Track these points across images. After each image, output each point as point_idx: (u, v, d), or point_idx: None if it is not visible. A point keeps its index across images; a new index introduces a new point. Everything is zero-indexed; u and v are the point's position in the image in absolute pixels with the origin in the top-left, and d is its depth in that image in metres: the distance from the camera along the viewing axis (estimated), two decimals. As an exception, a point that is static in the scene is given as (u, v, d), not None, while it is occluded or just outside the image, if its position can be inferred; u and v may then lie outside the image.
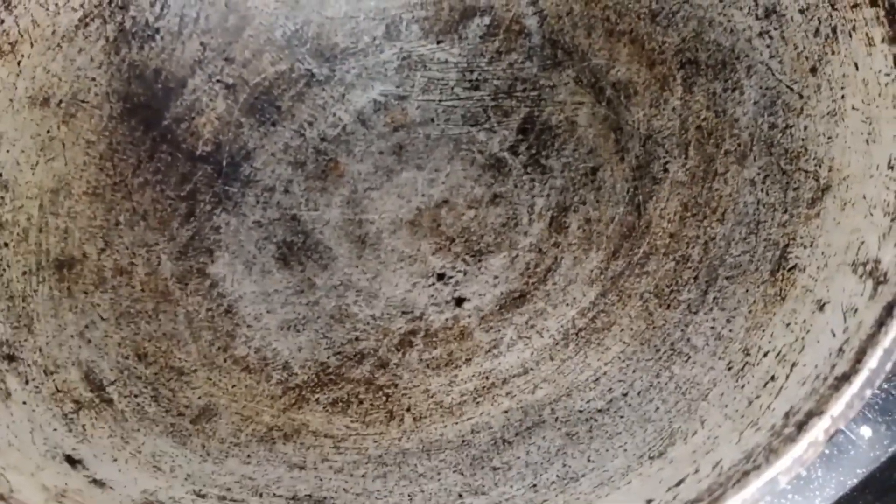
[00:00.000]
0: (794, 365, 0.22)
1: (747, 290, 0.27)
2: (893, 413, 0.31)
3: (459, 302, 0.35)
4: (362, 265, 0.37)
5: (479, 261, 0.36)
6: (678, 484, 0.21)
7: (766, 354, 0.24)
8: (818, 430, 0.18)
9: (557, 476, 0.25)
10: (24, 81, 0.34)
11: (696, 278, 0.30)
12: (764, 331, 0.25)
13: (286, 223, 0.38)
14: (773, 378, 0.22)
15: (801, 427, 0.18)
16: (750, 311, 0.26)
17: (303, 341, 0.35)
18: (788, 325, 0.24)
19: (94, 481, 0.26)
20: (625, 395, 0.27)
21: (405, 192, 0.39)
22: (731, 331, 0.26)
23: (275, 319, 0.35)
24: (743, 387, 0.23)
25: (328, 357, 0.34)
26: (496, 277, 0.35)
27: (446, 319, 0.35)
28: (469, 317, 0.34)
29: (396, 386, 0.33)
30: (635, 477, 0.23)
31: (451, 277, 0.36)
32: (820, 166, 0.27)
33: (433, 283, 0.36)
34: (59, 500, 0.24)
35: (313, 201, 0.39)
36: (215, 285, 0.36)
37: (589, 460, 0.25)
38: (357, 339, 0.35)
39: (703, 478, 0.20)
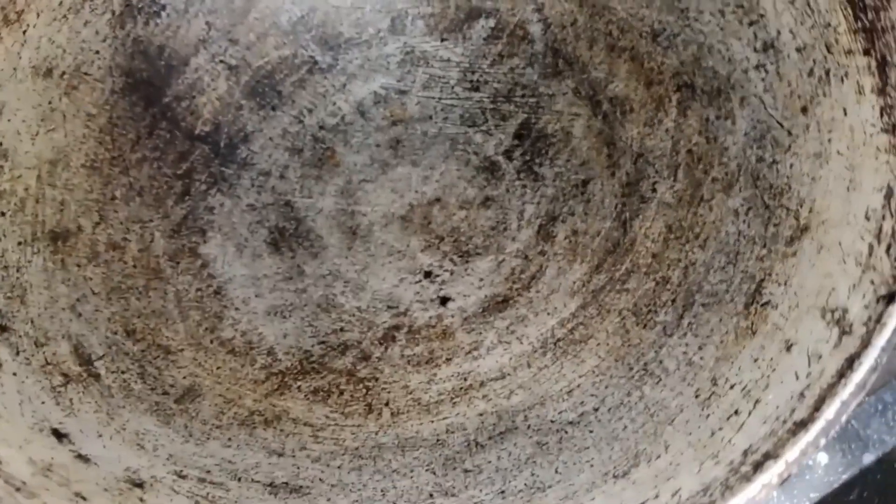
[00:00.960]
0: (757, 402, 0.23)
1: (721, 320, 0.28)
2: (850, 441, 0.33)
3: (444, 301, 0.36)
4: (352, 256, 0.38)
5: (467, 262, 0.37)
6: (639, 507, 0.22)
7: (732, 387, 0.25)
8: (772, 473, 0.19)
9: (525, 485, 0.26)
10: (28, 51, 0.34)
11: (673, 301, 0.31)
12: (732, 363, 0.26)
13: (279, 208, 0.39)
14: (736, 412, 0.23)
15: (757, 467, 0.20)
16: (721, 341, 0.27)
17: (289, 328, 0.36)
18: (756, 360, 0.25)
19: (80, 456, 0.26)
20: (596, 409, 0.29)
21: (399, 187, 0.39)
22: (701, 358, 0.27)
23: (262, 304, 0.36)
24: (708, 416, 0.24)
25: (312, 345, 0.35)
26: (482, 280, 0.36)
27: (430, 317, 0.36)
28: (452, 317, 0.35)
29: (377, 380, 0.34)
30: (599, 494, 0.24)
31: (437, 276, 0.37)
32: (801, 206, 0.28)
33: (420, 280, 0.37)
34: (46, 474, 0.25)
35: (308, 188, 0.39)
36: (206, 266, 0.37)
37: (557, 472, 0.26)
38: (342, 329, 0.36)
39: (661, 504, 0.22)
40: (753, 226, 0.30)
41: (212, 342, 0.34)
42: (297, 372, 0.34)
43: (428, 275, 0.37)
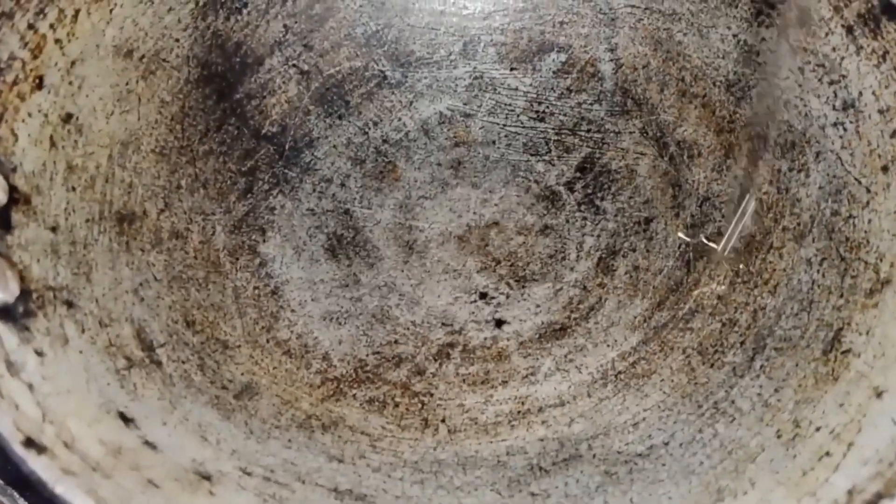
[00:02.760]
0: (850, 444, 0.23)
1: (797, 364, 0.28)
2: None
3: (499, 323, 0.36)
4: (407, 270, 0.38)
5: (523, 287, 0.37)
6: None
7: (818, 429, 0.25)
8: (892, 511, 0.19)
9: (599, 512, 0.26)
10: (112, 30, 0.34)
11: (742, 343, 0.31)
12: (815, 406, 0.26)
13: (339, 216, 0.39)
14: (828, 454, 0.24)
15: (874, 506, 0.20)
16: (800, 385, 0.27)
17: (343, 335, 0.35)
18: (842, 405, 0.25)
19: (147, 442, 0.26)
20: (666, 443, 0.29)
21: (457, 207, 0.40)
22: (779, 400, 0.28)
23: (318, 309, 0.36)
24: (795, 456, 0.25)
25: (367, 355, 0.35)
26: (538, 306, 0.36)
27: (485, 338, 0.36)
28: (508, 340, 0.35)
29: (432, 395, 0.33)
30: (685, 525, 0.24)
31: (493, 298, 0.37)
32: (881, 260, 0.29)
33: (475, 301, 0.37)
34: (116, 457, 0.24)
35: (367, 199, 0.39)
36: (264, 265, 0.36)
37: (631, 501, 0.26)
38: (396, 342, 0.35)
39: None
40: (828, 276, 0.30)
41: (268, 341, 0.34)
42: (352, 380, 0.34)
43: (483, 296, 0.37)
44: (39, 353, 0.26)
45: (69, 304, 0.29)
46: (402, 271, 0.38)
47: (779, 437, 0.26)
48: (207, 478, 0.25)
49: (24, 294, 0.27)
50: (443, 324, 0.36)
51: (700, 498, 0.25)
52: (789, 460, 0.25)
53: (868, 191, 0.31)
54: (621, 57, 0.40)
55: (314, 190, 0.39)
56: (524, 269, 0.37)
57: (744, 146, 0.36)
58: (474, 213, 0.39)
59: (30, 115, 0.31)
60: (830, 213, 0.32)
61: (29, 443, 0.22)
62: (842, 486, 0.22)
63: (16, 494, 0.27)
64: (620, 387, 0.32)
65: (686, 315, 0.33)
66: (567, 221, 0.39)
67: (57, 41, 0.32)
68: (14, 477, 0.21)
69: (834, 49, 0.33)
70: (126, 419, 0.26)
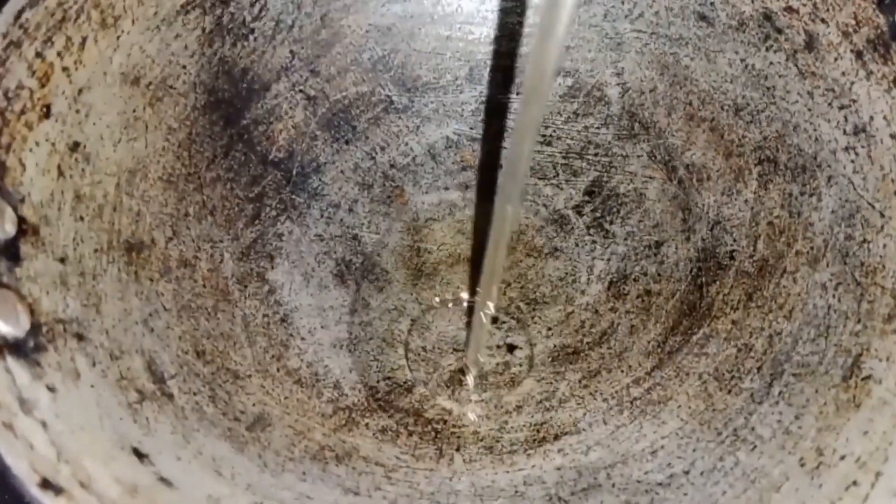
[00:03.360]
0: (878, 474, 0.23)
1: (817, 391, 0.28)
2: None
3: (511, 349, 0.36)
4: (417, 294, 0.37)
5: (534, 310, 0.37)
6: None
7: (843, 458, 0.25)
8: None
9: (623, 543, 0.26)
10: (119, 57, 0.34)
11: (759, 369, 0.31)
12: (838, 434, 0.26)
13: (347, 241, 0.38)
14: (854, 483, 0.23)
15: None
16: (821, 412, 0.27)
17: (353, 362, 0.35)
18: (866, 433, 0.25)
19: (162, 479, 0.25)
20: (686, 472, 0.28)
21: (466, 229, 0.39)
22: (800, 427, 0.27)
23: (328, 336, 0.35)
24: (820, 486, 0.24)
25: (378, 381, 0.34)
26: (550, 329, 0.36)
27: (497, 364, 0.35)
28: (520, 364, 0.35)
29: (445, 422, 0.33)
30: (713, 557, 0.23)
31: (504, 322, 0.37)
32: (899, 285, 0.29)
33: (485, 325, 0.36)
34: (133, 496, 0.24)
35: (375, 224, 0.39)
36: (273, 292, 0.36)
37: (655, 531, 0.26)
38: (407, 367, 0.35)
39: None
40: (844, 301, 0.30)
41: (278, 370, 0.33)
42: (364, 409, 0.33)
43: (494, 320, 0.37)
44: (52, 389, 0.25)
45: (80, 337, 0.28)
46: (412, 294, 0.37)
47: (802, 465, 0.26)
48: (224, 514, 0.25)
49: (34, 328, 0.27)
50: (454, 349, 0.36)
51: (725, 529, 0.25)
52: (815, 490, 0.24)
53: (882, 215, 0.31)
54: (628, 81, 0.40)
55: (322, 215, 0.39)
56: (535, 292, 0.37)
57: (754, 170, 0.36)
58: (483, 234, 0.39)
59: (37, 144, 0.31)
60: (844, 237, 0.32)
61: (45, 484, 0.21)
62: (873, 517, 0.21)
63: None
64: (637, 413, 0.32)
65: (700, 340, 0.33)
66: (577, 245, 0.38)
67: (64, 69, 0.32)
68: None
69: (843, 74, 0.33)
70: (140, 455, 0.26)
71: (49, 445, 0.23)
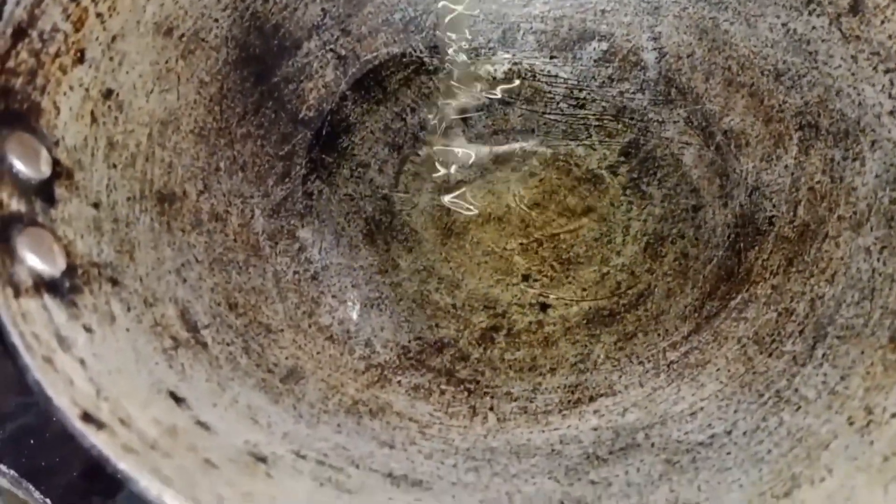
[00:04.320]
0: (933, 429, 0.23)
1: (863, 352, 0.28)
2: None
3: (544, 307, 0.35)
4: (446, 253, 0.37)
5: (568, 269, 0.36)
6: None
7: (893, 416, 0.24)
8: None
9: (667, 500, 0.25)
10: (152, 6, 0.33)
11: (801, 332, 0.30)
12: (887, 393, 0.25)
13: (377, 201, 0.38)
14: (909, 438, 0.23)
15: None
16: (868, 373, 0.27)
17: (385, 321, 0.34)
18: (918, 390, 0.25)
19: (199, 423, 0.25)
20: (728, 432, 0.28)
21: (497, 189, 0.39)
22: (846, 388, 0.27)
23: (358, 294, 0.35)
24: (871, 443, 0.24)
25: (409, 341, 0.34)
26: (584, 290, 0.35)
27: (530, 323, 0.35)
28: (554, 324, 0.35)
29: (478, 382, 0.33)
30: (762, 511, 0.23)
31: (536, 280, 0.36)
32: (948, 247, 0.28)
33: (517, 283, 0.36)
34: (172, 437, 0.23)
35: (405, 184, 0.39)
36: (303, 249, 0.35)
37: (699, 490, 0.25)
38: (437, 325, 0.34)
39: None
40: (890, 264, 0.30)
41: (310, 326, 0.33)
42: (396, 366, 0.33)
43: (526, 278, 0.36)
44: (88, 330, 0.25)
45: (114, 282, 0.28)
46: (441, 254, 0.37)
47: (851, 424, 0.25)
48: (263, 460, 0.24)
49: (70, 270, 0.26)
50: (485, 307, 0.35)
51: (773, 485, 0.24)
52: (866, 446, 0.24)
53: (928, 178, 0.30)
54: (665, 46, 0.40)
55: (352, 175, 0.38)
56: (568, 252, 0.37)
57: (794, 136, 0.36)
58: (514, 194, 0.38)
59: (71, 88, 0.30)
60: (889, 201, 0.31)
61: (87, 417, 0.21)
62: (931, 469, 0.21)
63: (31, 487, 0.26)
64: (674, 377, 0.31)
65: (739, 305, 0.33)
66: (612, 204, 0.38)
67: (98, 15, 0.31)
68: (77, 455, 0.20)
69: (890, 37, 0.33)
70: (177, 399, 0.25)
71: (88, 383, 0.23)
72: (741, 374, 0.30)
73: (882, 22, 0.33)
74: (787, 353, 0.30)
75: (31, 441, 0.25)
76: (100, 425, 0.21)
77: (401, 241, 0.37)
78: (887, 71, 0.33)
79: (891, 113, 0.32)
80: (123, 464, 0.20)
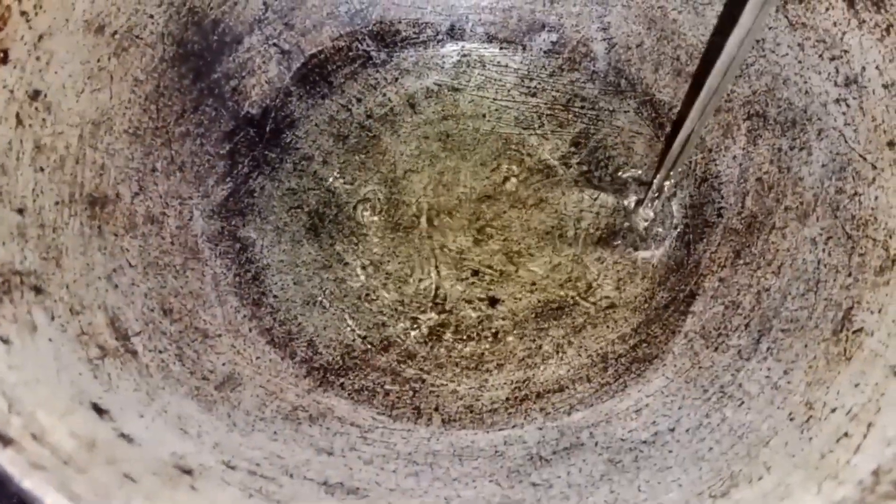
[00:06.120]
0: (870, 425, 0.22)
1: (806, 346, 0.27)
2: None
3: (493, 302, 0.35)
4: (394, 247, 0.36)
5: (518, 263, 0.36)
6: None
7: (833, 411, 0.24)
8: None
9: (605, 502, 0.25)
10: (82, 3, 0.32)
11: (747, 326, 0.30)
12: (828, 387, 0.25)
13: (321, 193, 0.37)
14: (846, 435, 0.23)
15: (904, 487, 0.19)
16: (810, 367, 0.26)
17: (328, 319, 0.34)
18: (857, 385, 0.24)
19: (122, 435, 0.24)
20: (671, 430, 0.27)
21: (447, 181, 0.38)
22: (789, 382, 0.26)
23: (301, 293, 0.34)
24: (811, 439, 0.23)
25: (353, 340, 0.33)
26: (534, 284, 0.35)
27: (478, 318, 0.34)
28: (503, 319, 0.34)
29: (423, 381, 0.32)
30: (698, 512, 0.22)
31: (485, 275, 0.35)
32: (891, 237, 0.28)
33: (467, 278, 0.35)
34: (90, 450, 0.22)
35: (350, 175, 0.38)
36: (245, 250, 0.35)
37: (639, 490, 0.25)
38: (383, 324, 0.34)
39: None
40: (835, 255, 0.29)
41: (250, 330, 0.32)
42: (339, 368, 0.32)
43: (476, 273, 0.35)
44: (5, 341, 0.24)
45: (37, 290, 0.27)
46: (388, 248, 0.36)
47: (791, 419, 0.25)
48: (189, 472, 0.24)
49: (-12, 279, 0.25)
50: (433, 303, 0.35)
51: (712, 483, 0.24)
52: (805, 443, 0.23)
53: (874, 167, 0.30)
54: (614, 36, 0.39)
55: (295, 168, 0.37)
56: (519, 244, 0.36)
57: (742, 125, 0.35)
58: (464, 186, 0.38)
59: (-7, 90, 0.29)
60: (835, 191, 0.31)
61: (-7, 435, 0.20)
62: (865, 467, 0.21)
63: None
64: (621, 371, 0.31)
65: (687, 297, 0.32)
66: (563, 195, 0.37)
67: (23, 13, 0.30)
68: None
69: (835, 24, 0.32)
70: (100, 411, 0.24)
71: (0, 397, 0.22)
72: (686, 369, 0.30)
73: (826, 9, 0.33)
74: (733, 347, 0.29)
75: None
76: (7, 441, 0.20)
77: (346, 236, 0.36)
78: (832, 58, 0.32)
79: (836, 101, 0.32)
80: (28, 482, 0.19)
